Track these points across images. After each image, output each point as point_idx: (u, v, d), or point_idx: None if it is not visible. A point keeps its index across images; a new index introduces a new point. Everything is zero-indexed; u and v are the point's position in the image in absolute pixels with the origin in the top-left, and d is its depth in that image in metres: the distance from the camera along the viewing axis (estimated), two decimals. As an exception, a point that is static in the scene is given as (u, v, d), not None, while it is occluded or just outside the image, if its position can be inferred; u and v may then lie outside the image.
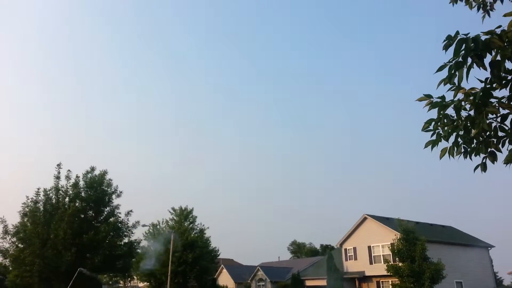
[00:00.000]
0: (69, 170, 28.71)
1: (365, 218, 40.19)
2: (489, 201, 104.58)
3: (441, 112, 4.22)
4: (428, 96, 4.26)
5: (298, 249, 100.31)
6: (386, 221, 38.05)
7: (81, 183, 28.74)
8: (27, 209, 27.92)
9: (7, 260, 29.68)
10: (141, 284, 67.58)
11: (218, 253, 48.43)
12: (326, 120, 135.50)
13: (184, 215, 44.98)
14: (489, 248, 41.18)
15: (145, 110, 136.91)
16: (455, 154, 4.35)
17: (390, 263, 24.46)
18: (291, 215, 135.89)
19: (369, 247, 38.88)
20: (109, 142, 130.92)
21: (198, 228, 44.76)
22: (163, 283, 40.12)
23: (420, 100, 4.31)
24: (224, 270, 55.63)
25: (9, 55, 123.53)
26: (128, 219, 29.91)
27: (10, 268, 32.45)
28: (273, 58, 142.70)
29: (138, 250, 34.65)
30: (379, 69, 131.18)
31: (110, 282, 72.60)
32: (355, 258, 40.37)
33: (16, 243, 28.03)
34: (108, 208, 29.51)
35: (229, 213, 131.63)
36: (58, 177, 28.52)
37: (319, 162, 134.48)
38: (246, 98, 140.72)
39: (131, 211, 30.00)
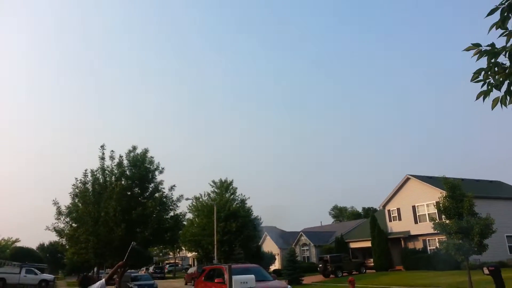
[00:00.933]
0: (112, 151, 29.69)
1: (408, 179, 39.54)
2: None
3: (492, 60, 3.97)
4: (476, 45, 4.02)
5: (339, 213, 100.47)
6: (430, 180, 37.26)
7: (125, 162, 29.60)
8: (77, 190, 29.31)
9: (63, 239, 31.52)
10: (189, 254, 70.35)
11: (260, 221, 49.30)
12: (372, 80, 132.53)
13: (224, 187, 45.87)
14: (541, 200, 39.67)
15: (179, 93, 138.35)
16: (507, 103, 4.11)
17: (436, 221, 23.99)
18: (331, 180, 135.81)
19: (414, 207, 38.40)
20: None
21: (239, 199, 45.62)
22: (210, 252, 41.50)
23: (467, 49, 4.08)
24: (268, 237, 56.73)
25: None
26: (172, 193, 30.70)
27: (67, 247, 34.50)
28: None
29: (184, 222, 35.74)
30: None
31: (161, 254, 76.10)
32: (399, 219, 40.04)
33: (70, 223, 29.81)
34: (152, 185, 30.33)
35: (272, 182, 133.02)
36: (102, 158, 29.48)
37: (359, 127, 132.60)
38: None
39: (174, 186, 30.75)
